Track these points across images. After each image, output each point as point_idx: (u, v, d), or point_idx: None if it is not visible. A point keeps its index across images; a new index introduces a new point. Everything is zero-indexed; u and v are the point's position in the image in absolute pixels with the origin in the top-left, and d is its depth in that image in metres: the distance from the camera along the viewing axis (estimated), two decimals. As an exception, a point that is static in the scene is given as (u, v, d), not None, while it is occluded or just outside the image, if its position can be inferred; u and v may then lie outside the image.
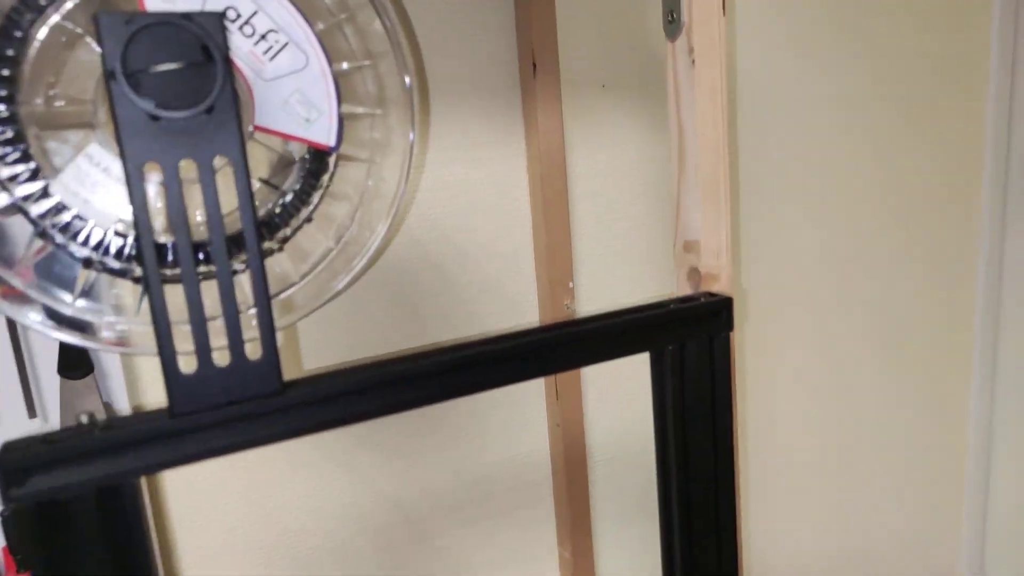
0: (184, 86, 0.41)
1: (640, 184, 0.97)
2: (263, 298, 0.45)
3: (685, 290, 0.69)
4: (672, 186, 0.68)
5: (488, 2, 0.83)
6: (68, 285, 0.46)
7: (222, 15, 0.41)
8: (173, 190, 0.42)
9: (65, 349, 0.62)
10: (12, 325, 0.61)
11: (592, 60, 0.92)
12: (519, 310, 0.90)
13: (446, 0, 0.80)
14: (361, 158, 0.52)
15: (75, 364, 0.66)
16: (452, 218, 0.83)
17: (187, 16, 0.40)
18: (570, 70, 0.90)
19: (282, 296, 0.52)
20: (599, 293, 0.96)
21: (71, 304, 0.46)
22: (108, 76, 0.39)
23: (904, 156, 1.19)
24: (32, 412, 0.68)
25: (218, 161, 0.43)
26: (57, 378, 0.69)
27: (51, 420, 0.68)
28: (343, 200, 0.52)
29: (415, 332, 0.82)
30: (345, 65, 0.51)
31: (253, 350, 0.45)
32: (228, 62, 0.41)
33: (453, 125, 0.83)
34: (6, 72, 0.42)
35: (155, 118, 0.40)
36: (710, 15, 0.64)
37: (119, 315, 0.46)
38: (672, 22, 0.66)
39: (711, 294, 0.61)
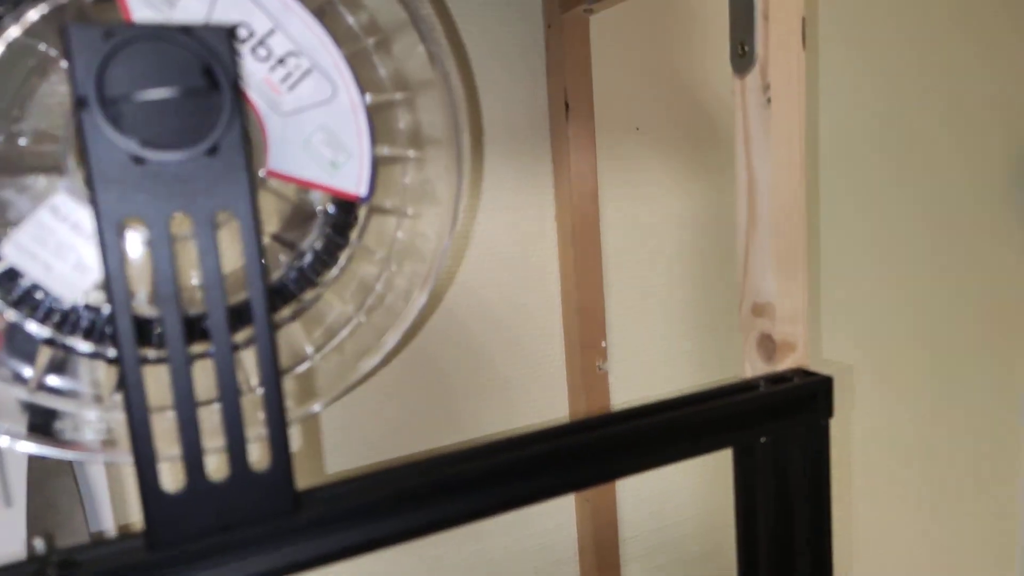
0: (179, 120, 0.31)
1: (677, 234, 0.89)
2: (273, 387, 0.35)
3: (755, 359, 0.59)
4: (739, 241, 0.59)
5: (514, 38, 0.76)
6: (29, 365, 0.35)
7: (232, 30, 0.32)
8: (161, 253, 0.32)
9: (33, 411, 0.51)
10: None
11: (625, 100, 0.85)
12: (544, 370, 0.81)
13: (467, 35, 0.72)
14: (398, 211, 0.42)
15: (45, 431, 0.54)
16: (473, 270, 0.75)
17: (186, 30, 0.30)
18: (601, 112, 0.82)
19: (297, 370, 0.41)
20: (633, 354, 0.86)
21: (27, 394, 0.35)
22: (78, 104, 0.29)
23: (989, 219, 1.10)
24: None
25: (220, 215, 0.33)
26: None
27: (16, 505, 0.56)
28: (373, 261, 0.42)
29: (432, 395, 0.72)
30: (379, 98, 0.41)
31: (259, 456, 0.35)
32: (238, 89, 0.31)
33: (474, 172, 0.75)
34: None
35: (139, 160, 0.30)
36: (788, 47, 0.56)
37: (95, 406, 0.35)
38: (742, 55, 0.57)
39: (807, 372, 0.51)
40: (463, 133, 0.42)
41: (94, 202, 0.30)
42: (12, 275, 0.33)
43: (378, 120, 0.40)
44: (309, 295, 0.39)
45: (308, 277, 0.39)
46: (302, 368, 0.40)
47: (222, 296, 0.33)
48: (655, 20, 0.86)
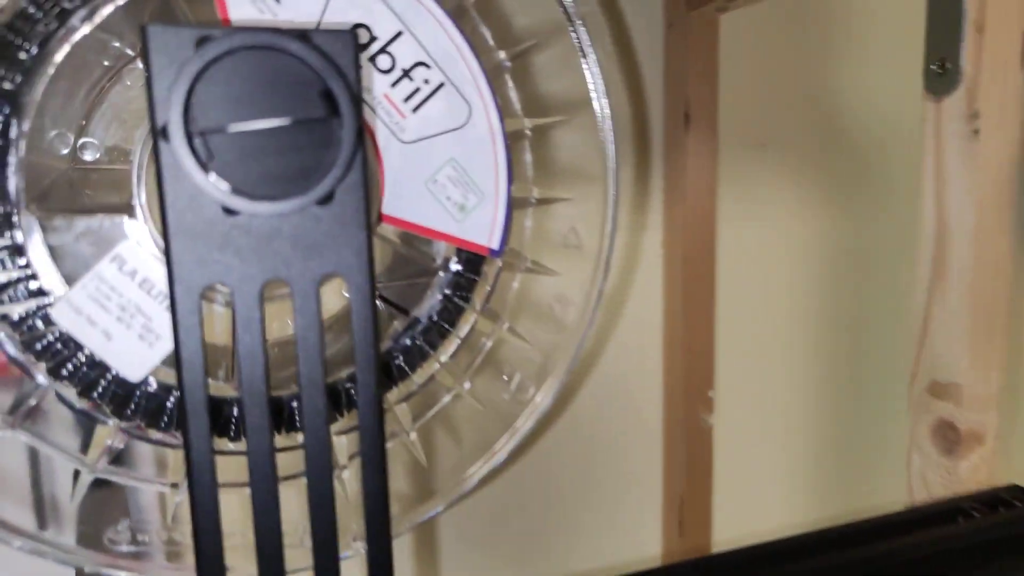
0: (284, 157, 0.23)
1: (805, 267, 0.79)
2: (378, 496, 0.27)
3: (926, 449, 0.48)
4: (916, 297, 0.49)
5: (626, 36, 0.68)
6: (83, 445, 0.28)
7: (355, 33, 0.23)
8: (251, 333, 0.24)
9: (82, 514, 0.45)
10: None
11: (752, 113, 0.75)
12: (638, 417, 0.72)
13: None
14: (536, 268, 0.34)
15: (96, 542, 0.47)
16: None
17: (303, 34, 0.22)
18: (724, 125, 0.73)
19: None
20: (746, 408, 0.77)
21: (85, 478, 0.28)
22: (158, 134, 0.22)
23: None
24: (43, 523, 0.50)
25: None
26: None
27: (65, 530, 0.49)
28: (501, 330, 0.33)
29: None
30: (519, 123, 0.32)
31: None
32: (362, 120, 0.23)
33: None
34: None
35: (230, 212, 0.23)
36: (1006, 68, 0.45)
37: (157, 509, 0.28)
38: (942, 73, 0.47)
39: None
40: (615, 170, 0.33)
41: (168, 263, 0.23)
42: (61, 346, 0.26)
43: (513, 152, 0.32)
44: (421, 373, 0.31)
45: (421, 348, 0.31)
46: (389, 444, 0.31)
47: (322, 381, 0.25)
48: (792, 20, 0.75)
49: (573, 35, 0.31)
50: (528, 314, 0.34)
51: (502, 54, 0.34)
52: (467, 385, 0.32)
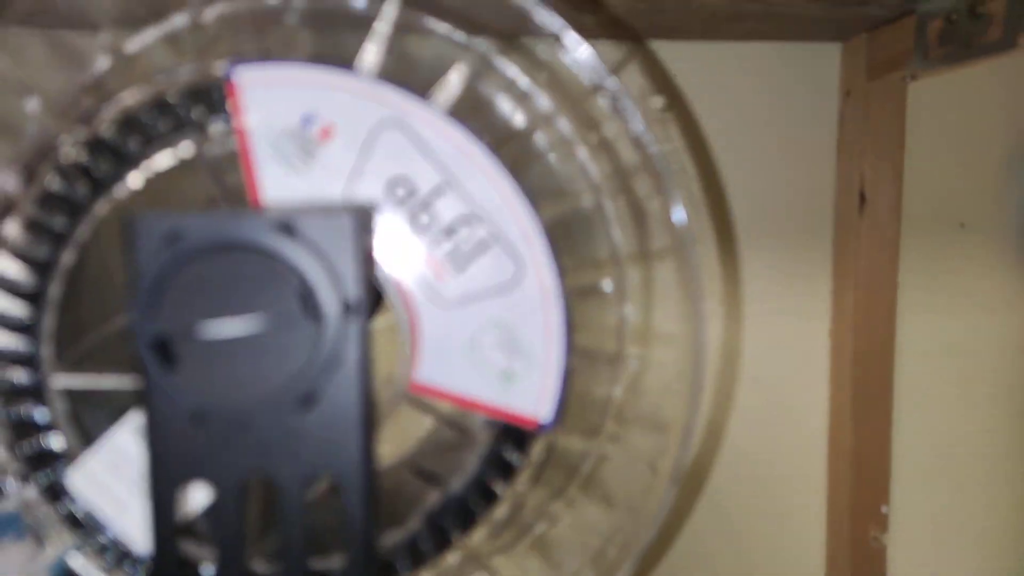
0: (260, 351, 0.20)
1: (1005, 368, 0.67)
2: None
3: None
4: None
5: (794, 106, 0.60)
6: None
7: (360, 214, 0.20)
8: (230, 527, 0.21)
9: None
10: None
11: (945, 189, 0.65)
12: (797, 532, 0.64)
13: (730, 95, 0.58)
14: (596, 448, 0.28)
15: None
16: (715, 392, 0.61)
17: (287, 226, 0.20)
18: (908, 203, 0.63)
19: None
20: (926, 528, 0.66)
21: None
22: (133, 332, 0.20)
23: None
24: None
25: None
26: None
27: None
28: (552, 520, 0.28)
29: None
30: (583, 279, 0.27)
31: None
32: (365, 316, 0.20)
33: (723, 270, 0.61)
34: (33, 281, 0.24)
35: (202, 418, 0.20)
36: None
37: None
38: None
39: None
40: (703, 326, 0.27)
41: (148, 460, 0.21)
42: (76, 516, 0.25)
43: (580, 309, 0.27)
44: (454, 559, 0.27)
45: (447, 534, 0.27)
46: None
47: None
48: (989, 83, 0.64)
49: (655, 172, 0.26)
50: (589, 492, 0.29)
51: (585, 199, 0.29)
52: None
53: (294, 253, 0.20)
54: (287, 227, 0.20)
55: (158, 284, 0.19)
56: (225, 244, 0.19)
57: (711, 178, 0.61)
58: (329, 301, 0.20)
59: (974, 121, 0.63)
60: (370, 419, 0.22)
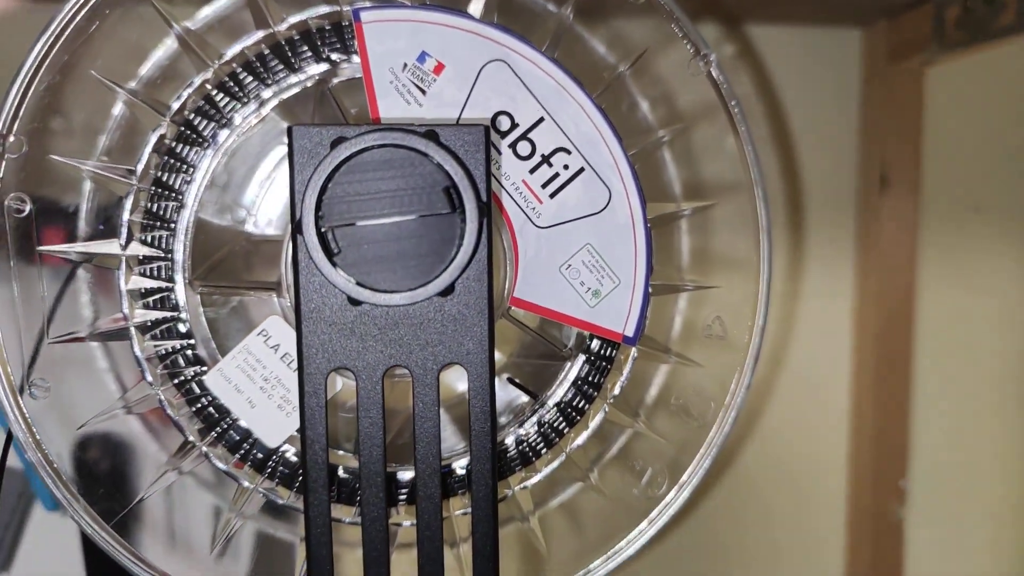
0: (407, 246, 0.24)
1: (1021, 344, 0.70)
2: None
3: None
4: None
5: (816, 91, 0.63)
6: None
7: (487, 132, 0.24)
8: (370, 416, 0.25)
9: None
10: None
11: (961, 173, 0.68)
12: (817, 506, 0.66)
13: (757, 79, 0.61)
14: (674, 356, 0.32)
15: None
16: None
17: (431, 132, 0.23)
18: (928, 186, 0.67)
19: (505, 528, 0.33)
20: (945, 501, 0.69)
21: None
22: (295, 228, 0.23)
23: None
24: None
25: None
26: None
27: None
28: (634, 421, 0.32)
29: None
30: (665, 208, 0.31)
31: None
32: (488, 217, 0.23)
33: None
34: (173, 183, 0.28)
35: (355, 302, 0.24)
36: None
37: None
38: None
39: None
40: (770, 260, 0.30)
41: (299, 346, 0.24)
42: (216, 409, 0.28)
43: (658, 236, 0.30)
44: (547, 459, 0.31)
45: (548, 436, 0.30)
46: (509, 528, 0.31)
47: (437, 468, 0.26)
48: (1010, 71, 0.68)
49: (729, 118, 0.30)
50: (665, 406, 0.32)
51: (663, 133, 0.33)
52: (594, 477, 0.31)
53: (440, 155, 0.23)
54: (433, 134, 0.23)
55: (327, 180, 0.23)
56: (382, 145, 0.23)
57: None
58: (469, 198, 0.23)
59: (992, 105, 0.68)
60: (492, 313, 0.25)
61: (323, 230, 0.23)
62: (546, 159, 0.29)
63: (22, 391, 0.27)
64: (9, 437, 0.29)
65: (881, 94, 0.65)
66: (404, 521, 0.30)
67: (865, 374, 0.68)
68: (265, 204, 0.33)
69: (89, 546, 0.54)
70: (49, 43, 0.26)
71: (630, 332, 0.30)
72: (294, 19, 0.29)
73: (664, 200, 0.33)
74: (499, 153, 0.29)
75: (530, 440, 0.31)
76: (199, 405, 0.28)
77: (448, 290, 0.24)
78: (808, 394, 0.66)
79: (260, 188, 0.33)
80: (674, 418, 0.32)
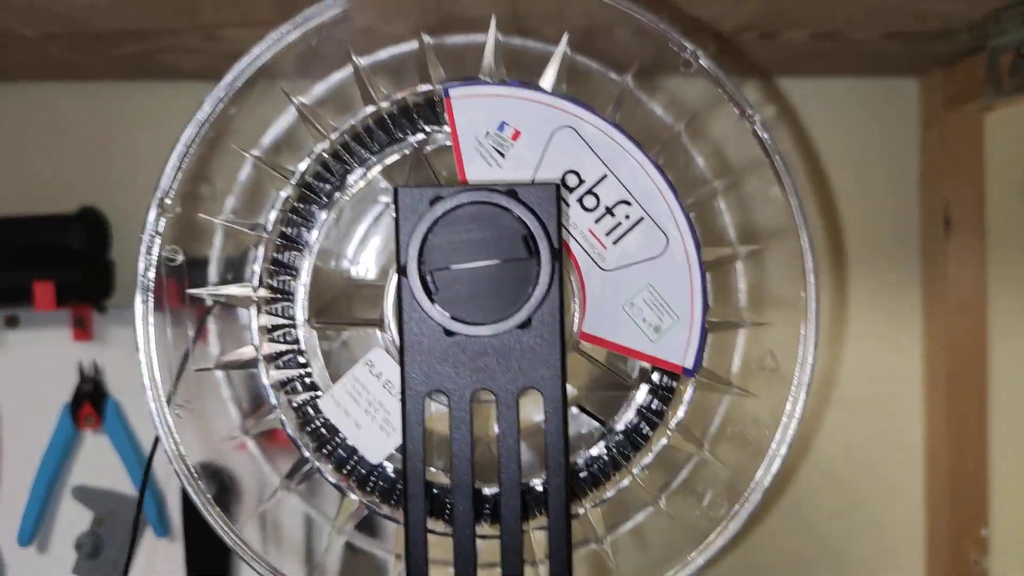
0: (493, 289, 0.28)
1: None
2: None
3: None
4: None
5: (877, 139, 0.66)
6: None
7: (558, 189, 0.28)
8: (461, 434, 0.29)
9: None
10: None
11: None
12: (895, 555, 0.67)
13: (820, 131, 0.64)
14: (730, 388, 0.36)
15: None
16: (811, 417, 0.64)
17: (512, 191, 0.28)
18: (993, 227, 0.67)
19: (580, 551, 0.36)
20: None
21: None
22: (399, 271, 0.28)
23: None
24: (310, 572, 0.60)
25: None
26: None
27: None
28: (695, 447, 0.35)
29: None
30: (718, 252, 0.35)
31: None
32: (559, 257, 0.28)
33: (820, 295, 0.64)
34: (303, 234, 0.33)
35: (449, 333, 0.28)
36: None
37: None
38: None
39: None
40: (816, 298, 0.34)
41: (402, 372, 0.29)
42: (327, 428, 0.33)
43: (715, 278, 0.34)
44: (614, 482, 0.34)
45: (615, 460, 0.34)
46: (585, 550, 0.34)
47: (518, 482, 0.30)
48: None
49: (773, 169, 0.34)
50: (723, 434, 0.35)
51: (717, 184, 0.37)
52: (663, 502, 0.35)
53: (519, 210, 0.28)
54: (513, 192, 0.28)
55: (427, 232, 0.28)
56: (472, 202, 0.28)
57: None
58: (543, 245, 0.28)
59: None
60: (564, 343, 0.30)
61: (423, 274, 0.28)
62: (609, 210, 0.34)
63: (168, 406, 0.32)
64: (154, 446, 0.34)
65: (940, 140, 0.67)
66: (488, 533, 0.34)
67: (938, 418, 0.68)
68: (364, 253, 0.39)
69: (193, 570, 0.60)
70: (203, 125, 0.32)
71: (689, 364, 0.34)
72: (395, 96, 0.34)
73: (719, 244, 0.36)
74: (568, 206, 0.34)
75: (600, 462, 0.34)
76: (313, 426, 0.33)
77: (526, 323, 0.29)
78: (882, 437, 0.66)
79: (359, 240, 0.39)
80: (731, 444, 0.35)
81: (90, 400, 0.59)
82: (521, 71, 0.34)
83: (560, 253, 0.29)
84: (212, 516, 0.32)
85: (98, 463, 0.60)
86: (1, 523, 0.60)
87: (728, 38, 0.48)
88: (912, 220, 0.67)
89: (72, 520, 0.60)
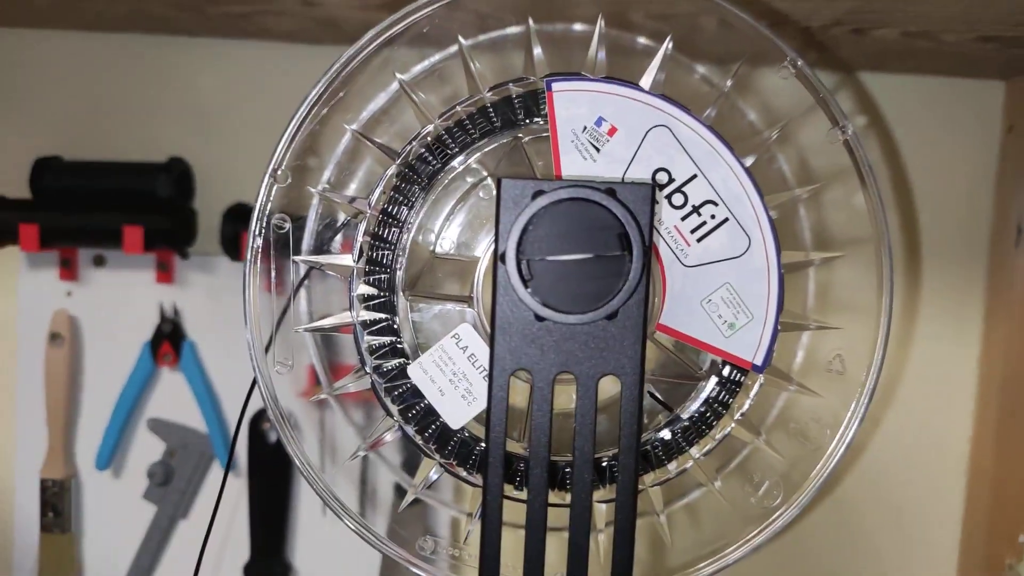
0: (584, 279, 0.31)
1: None
2: (624, 558, 0.32)
3: None
4: None
5: (957, 140, 0.65)
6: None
7: (653, 190, 0.30)
8: (542, 408, 0.32)
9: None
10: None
11: None
12: (929, 556, 0.68)
13: (898, 126, 0.63)
14: (798, 387, 0.37)
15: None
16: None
17: (610, 189, 0.30)
18: None
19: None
20: None
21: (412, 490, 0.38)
22: (498, 258, 0.30)
23: None
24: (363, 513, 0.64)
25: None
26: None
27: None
28: (756, 439, 0.38)
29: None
30: (797, 257, 0.37)
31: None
32: (649, 259, 0.30)
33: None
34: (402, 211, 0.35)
35: (540, 319, 0.31)
36: None
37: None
38: None
39: None
40: (889, 308, 0.35)
41: (492, 348, 0.31)
42: (414, 394, 0.36)
43: (790, 281, 0.36)
44: (677, 464, 0.37)
45: (679, 444, 0.36)
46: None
47: (591, 458, 0.32)
48: None
49: (862, 182, 0.35)
50: (784, 428, 0.37)
51: (800, 192, 0.39)
52: (718, 483, 0.37)
53: (616, 208, 0.30)
54: (611, 191, 0.30)
55: (527, 223, 0.30)
56: (571, 197, 0.30)
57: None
58: (636, 243, 0.30)
59: None
60: (645, 337, 0.32)
61: (520, 261, 0.30)
62: (696, 209, 0.35)
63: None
64: (251, 388, 0.37)
65: (1020, 146, 0.66)
66: (558, 501, 0.37)
67: (987, 424, 0.68)
68: (449, 229, 0.41)
69: (255, 502, 0.64)
70: (314, 100, 0.35)
71: (759, 361, 0.36)
72: (497, 87, 0.36)
73: (797, 248, 0.38)
74: (658, 203, 0.35)
75: (663, 446, 0.37)
76: (400, 390, 0.36)
77: (613, 315, 0.31)
78: (928, 439, 0.67)
79: (446, 217, 0.41)
80: (792, 440, 0.37)
81: (169, 340, 0.63)
82: (621, 63, 0.36)
83: (650, 251, 0.30)
84: (297, 455, 0.35)
85: (173, 399, 0.64)
86: (81, 447, 0.64)
87: (816, 33, 0.49)
88: (984, 225, 0.67)
89: (146, 450, 0.64)
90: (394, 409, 0.36)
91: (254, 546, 0.64)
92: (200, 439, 0.65)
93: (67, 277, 0.62)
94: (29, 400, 0.63)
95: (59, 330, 0.62)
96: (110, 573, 0.65)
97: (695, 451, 0.37)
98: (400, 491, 0.49)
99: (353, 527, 0.37)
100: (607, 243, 0.30)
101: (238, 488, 0.64)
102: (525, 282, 0.30)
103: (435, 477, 0.37)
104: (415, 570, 0.37)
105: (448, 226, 0.41)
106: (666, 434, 0.37)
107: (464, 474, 0.37)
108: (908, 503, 0.68)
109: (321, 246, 0.39)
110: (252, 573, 0.64)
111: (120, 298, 0.63)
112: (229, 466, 0.46)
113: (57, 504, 0.64)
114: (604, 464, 0.37)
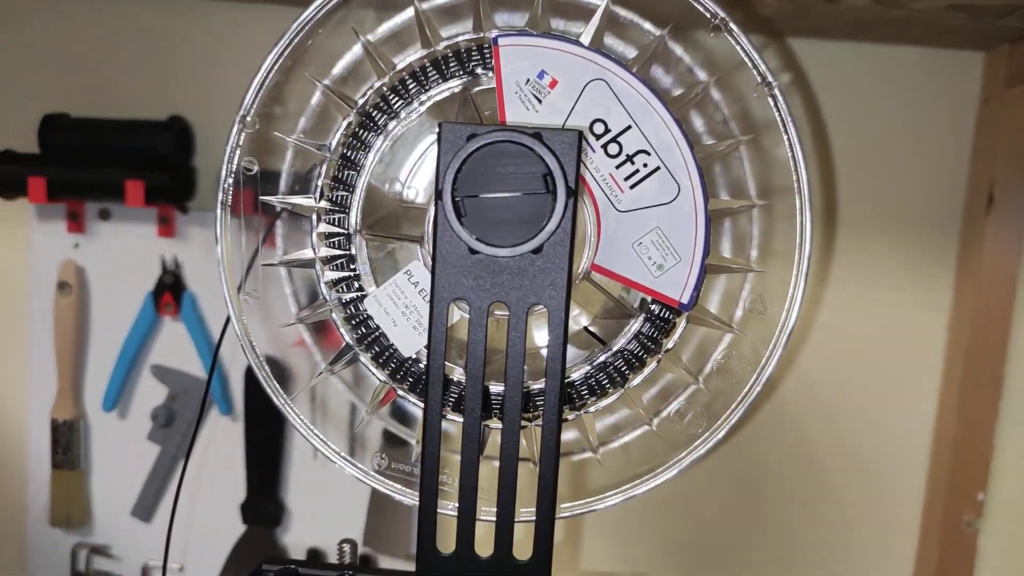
0: (514, 217, 0.34)
1: None
2: (549, 480, 0.36)
3: None
4: None
5: (935, 111, 0.67)
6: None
7: (580, 136, 0.33)
8: (476, 336, 0.35)
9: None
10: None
11: None
12: (891, 510, 0.70)
13: (880, 101, 0.64)
14: (719, 325, 0.41)
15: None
16: (828, 371, 0.67)
17: (538, 134, 0.33)
18: None
19: (573, 458, 0.42)
20: (1017, 516, 0.70)
21: (363, 420, 0.42)
22: (436, 195, 0.34)
23: None
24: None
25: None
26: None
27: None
28: (683, 372, 0.41)
29: (734, 506, 0.67)
30: (722, 204, 0.40)
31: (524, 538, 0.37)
32: (575, 199, 0.33)
33: (856, 256, 0.66)
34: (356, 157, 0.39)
35: (474, 252, 0.34)
36: None
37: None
38: None
39: None
40: (805, 253, 0.38)
41: (432, 280, 0.35)
42: (369, 324, 0.40)
43: (718, 227, 0.39)
44: (612, 394, 0.40)
45: (612, 377, 0.40)
46: (580, 457, 0.41)
47: (519, 380, 0.36)
48: None
49: (786, 135, 0.38)
50: (711, 364, 0.40)
51: (727, 143, 0.41)
52: (656, 423, 0.40)
53: (542, 151, 0.33)
54: (538, 135, 0.33)
55: (462, 163, 0.33)
56: (503, 140, 0.33)
57: (840, 170, 0.68)
58: (560, 184, 0.33)
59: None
60: (571, 271, 0.35)
61: (456, 199, 0.34)
62: (630, 158, 0.38)
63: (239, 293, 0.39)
64: (225, 325, 0.41)
65: (996, 116, 0.67)
66: (494, 425, 0.40)
67: (953, 387, 0.71)
68: (415, 179, 0.44)
69: (251, 445, 0.68)
70: (281, 52, 0.38)
71: (685, 300, 0.39)
72: (449, 40, 0.39)
73: (740, 196, 0.41)
74: (593, 151, 0.38)
75: (598, 377, 0.40)
76: (356, 320, 0.40)
77: (539, 249, 0.34)
78: (896, 401, 0.70)
79: (412, 167, 0.44)
80: (716, 375, 0.40)
81: (170, 291, 0.67)
82: (563, 18, 0.39)
83: (575, 192, 0.34)
84: (270, 387, 0.39)
85: (174, 346, 0.68)
86: (88, 390, 0.69)
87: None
88: (959, 193, 0.69)
89: (149, 394, 0.69)
90: (351, 338, 0.40)
91: (250, 485, 0.69)
92: (200, 385, 0.69)
93: (74, 229, 0.67)
94: (39, 345, 0.68)
95: (67, 279, 0.67)
96: (117, 507, 0.70)
97: (629, 382, 0.40)
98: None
99: (307, 435, 0.41)
100: (534, 183, 0.33)
101: (236, 432, 0.69)
102: (460, 218, 0.34)
103: (390, 401, 0.41)
104: (370, 483, 0.40)
105: (414, 177, 0.44)
106: (603, 365, 0.40)
107: (415, 399, 0.41)
108: (874, 461, 0.70)
109: (296, 189, 0.42)
110: (248, 510, 0.69)
111: (124, 250, 0.68)
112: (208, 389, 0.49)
113: (67, 442, 0.69)
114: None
